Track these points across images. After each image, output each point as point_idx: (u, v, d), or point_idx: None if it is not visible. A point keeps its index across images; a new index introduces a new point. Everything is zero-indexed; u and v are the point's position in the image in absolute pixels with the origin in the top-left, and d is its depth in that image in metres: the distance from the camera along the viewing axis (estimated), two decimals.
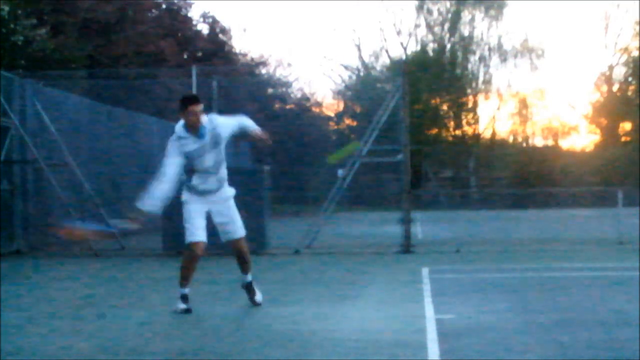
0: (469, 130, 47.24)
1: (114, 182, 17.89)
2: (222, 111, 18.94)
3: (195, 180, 7.23)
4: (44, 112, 14.40)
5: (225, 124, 7.32)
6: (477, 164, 40.79)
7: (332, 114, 39.99)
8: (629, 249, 13.00)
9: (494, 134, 47.96)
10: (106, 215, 14.85)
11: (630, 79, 45.55)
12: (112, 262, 12.71)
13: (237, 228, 7.48)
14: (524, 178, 37.66)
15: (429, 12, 47.49)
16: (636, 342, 5.55)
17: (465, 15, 47.20)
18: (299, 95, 31.54)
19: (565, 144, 49.01)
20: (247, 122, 7.61)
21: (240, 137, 7.94)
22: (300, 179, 23.40)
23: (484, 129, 47.85)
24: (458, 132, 46.73)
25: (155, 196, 7.21)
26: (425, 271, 10.37)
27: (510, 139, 48.51)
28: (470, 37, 47.26)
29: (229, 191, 7.52)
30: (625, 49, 46.28)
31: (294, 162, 22.87)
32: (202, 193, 7.29)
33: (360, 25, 76.24)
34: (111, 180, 17.68)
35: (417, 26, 47.87)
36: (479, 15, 47.12)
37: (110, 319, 7.01)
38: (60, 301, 8.26)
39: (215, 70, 18.23)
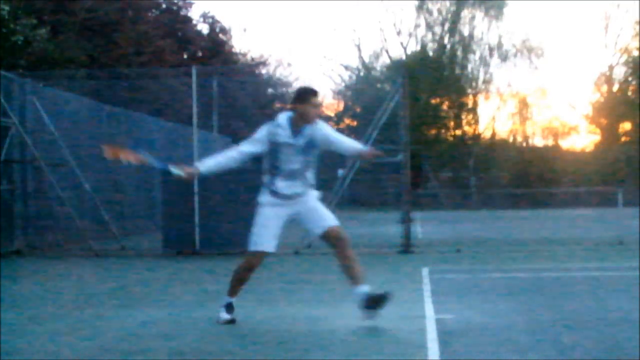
0: (469, 130, 47.23)
1: (114, 182, 17.89)
2: (222, 111, 19.01)
3: (280, 184, 6.49)
4: (44, 112, 14.40)
5: (325, 134, 6.63)
6: (477, 164, 40.78)
7: (332, 114, 39.93)
8: (629, 249, 13.00)
9: (494, 134, 47.96)
10: (106, 216, 14.87)
11: (630, 79, 45.54)
12: (112, 262, 12.71)
13: (330, 216, 6.67)
14: (524, 178, 37.69)
15: (429, 12, 47.48)
16: (636, 342, 5.55)
17: (465, 15, 47.18)
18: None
19: (565, 144, 49.03)
20: (349, 144, 6.84)
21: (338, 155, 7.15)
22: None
23: (484, 129, 47.85)
24: (458, 132, 46.72)
25: (211, 162, 6.59)
26: (425, 271, 10.37)
27: (510, 139, 48.51)
28: (470, 36, 47.26)
29: (315, 193, 6.74)
30: (625, 49, 46.27)
31: None
32: (287, 197, 6.54)
33: (360, 25, 76.25)
34: (111, 180, 17.68)
35: (417, 26, 47.86)
36: (479, 15, 47.11)
37: (110, 319, 7.01)
38: (60, 301, 8.26)
39: (215, 70, 18.24)
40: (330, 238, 6.58)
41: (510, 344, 5.62)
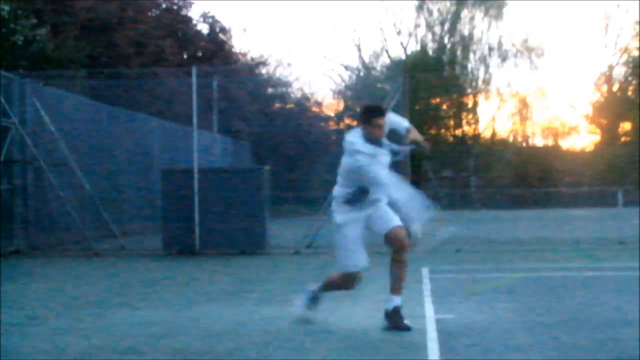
0: (469, 130, 47.23)
1: (114, 182, 17.90)
2: (222, 111, 19.01)
3: (370, 195, 6.30)
4: (44, 112, 14.40)
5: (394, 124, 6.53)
6: (477, 164, 40.79)
7: (332, 114, 39.95)
8: (629, 249, 13.00)
9: (494, 134, 47.96)
10: (106, 216, 14.88)
11: (630, 78, 45.56)
12: (112, 262, 12.71)
13: (396, 218, 6.39)
14: (524, 178, 37.69)
15: (429, 12, 47.50)
16: (636, 342, 5.55)
17: (465, 15, 47.20)
18: (299, 95, 31.54)
19: (565, 144, 49.04)
20: (404, 123, 6.71)
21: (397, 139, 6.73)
22: (300, 179, 23.40)
23: (484, 129, 47.85)
24: (458, 132, 46.73)
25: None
26: (425, 271, 10.37)
27: (510, 139, 48.52)
28: (470, 36, 47.26)
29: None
30: (625, 49, 46.30)
31: (294, 162, 22.87)
32: (369, 204, 6.34)
33: (360, 25, 76.29)
34: (111, 180, 17.69)
35: (417, 26, 47.88)
36: (479, 15, 47.13)
37: (110, 319, 7.01)
38: (60, 301, 8.26)
39: (215, 70, 18.24)
40: (393, 241, 6.43)
41: (510, 343, 5.62)
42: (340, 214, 6.35)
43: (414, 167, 17.88)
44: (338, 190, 6.44)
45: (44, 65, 18.34)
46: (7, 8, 17.96)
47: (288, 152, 23.32)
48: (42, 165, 14.21)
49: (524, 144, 47.91)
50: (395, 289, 6.35)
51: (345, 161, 6.34)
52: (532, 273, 10.17)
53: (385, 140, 6.38)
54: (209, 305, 7.68)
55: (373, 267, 9.79)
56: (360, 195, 6.30)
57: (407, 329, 6.15)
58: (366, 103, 6.23)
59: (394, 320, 6.23)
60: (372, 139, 6.25)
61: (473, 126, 47.40)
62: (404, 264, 6.42)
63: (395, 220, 6.37)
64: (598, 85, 47.94)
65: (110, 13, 23.20)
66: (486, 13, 46.73)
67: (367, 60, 48.21)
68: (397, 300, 6.31)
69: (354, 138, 6.29)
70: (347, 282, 6.52)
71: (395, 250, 6.42)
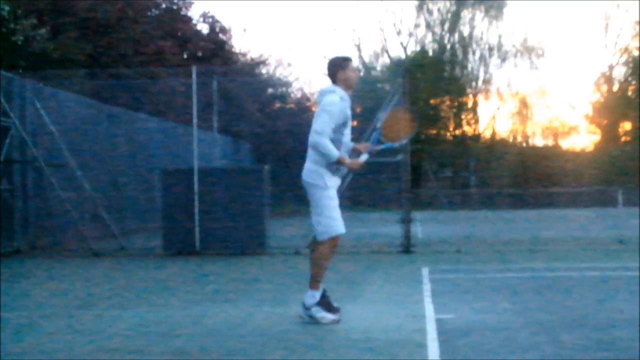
0: (469, 130, 47.25)
1: (114, 182, 17.90)
2: (222, 111, 19.00)
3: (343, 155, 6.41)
4: (44, 112, 14.40)
5: None
6: (477, 164, 40.80)
7: None
8: (629, 249, 13.00)
9: (494, 134, 47.98)
10: (106, 216, 14.88)
11: (630, 78, 45.57)
12: (112, 262, 12.71)
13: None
14: (524, 178, 37.67)
15: (429, 12, 47.51)
16: (636, 342, 5.56)
17: (465, 15, 47.21)
18: (299, 95, 31.54)
19: (565, 144, 49.06)
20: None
21: None
22: (300, 179, 23.35)
23: (484, 129, 47.87)
24: (458, 132, 46.73)
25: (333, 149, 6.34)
26: (425, 271, 10.38)
27: (510, 139, 48.53)
28: (470, 37, 47.27)
29: None
30: (625, 49, 46.31)
31: (295, 162, 22.84)
32: (342, 173, 6.52)
33: (360, 25, 76.31)
34: (111, 180, 17.69)
35: (417, 26, 47.90)
36: (479, 15, 47.14)
37: (110, 319, 7.01)
38: (60, 301, 8.26)
39: (215, 70, 18.23)
40: (337, 241, 6.59)
41: (510, 343, 5.62)
42: (327, 178, 6.43)
43: (414, 167, 17.89)
44: (317, 158, 6.46)
45: (44, 65, 18.34)
46: (7, 8, 17.96)
47: (288, 152, 23.31)
48: (42, 165, 14.21)
49: (524, 144, 47.92)
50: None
51: (330, 115, 6.32)
52: (532, 273, 10.17)
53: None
54: (209, 305, 7.68)
55: (373, 267, 9.80)
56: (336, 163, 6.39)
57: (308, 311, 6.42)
58: (331, 57, 6.59)
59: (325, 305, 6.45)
60: (348, 88, 6.43)
61: (473, 126, 47.42)
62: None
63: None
64: (598, 85, 47.96)
65: (110, 13, 23.19)
66: (486, 13, 46.73)
67: (367, 60, 48.23)
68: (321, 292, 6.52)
69: (334, 87, 6.42)
70: (333, 249, 6.55)
71: (335, 248, 6.61)
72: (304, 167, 6.55)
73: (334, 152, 6.34)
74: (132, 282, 10.01)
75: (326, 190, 6.42)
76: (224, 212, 13.32)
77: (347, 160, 6.45)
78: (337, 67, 6.49)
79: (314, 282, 6.48)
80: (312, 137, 6.36)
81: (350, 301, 7.83)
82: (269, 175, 14.02)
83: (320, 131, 6.30)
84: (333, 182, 6.47)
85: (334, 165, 6.42)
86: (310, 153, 6.49)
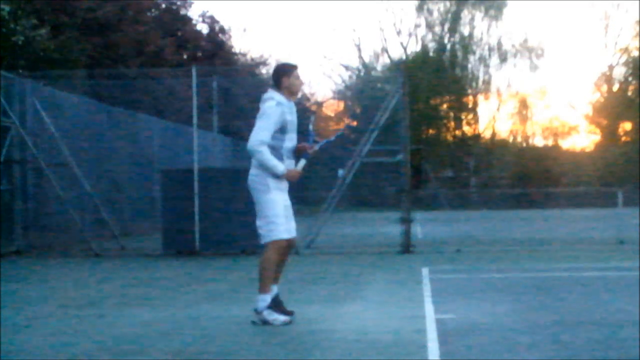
0: (469, 130, 47.27)
1: (114, 182, 17.89)
2: (222, 111, 19.01)
3: (287, 162, 6.49)
4: (44, 112, 14.40)
5: None
6: (477, 164, 40.83)
7: (332, 114, 39.91)
8: (629, 249, 13.01)
9: (494, 134, 48.01)
10: (106, 216, 14.88)
11: (630, 78, 45.58)
12: (112, 262, 12.71)
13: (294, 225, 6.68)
14: (524, 178, 37.70)
15: (429, 12, 47.54)
16: (636, 342, 5.55)
17: (465, 15, 47.23)
18: (299, 95, 31.53)
19: (565, 144, 49.08)
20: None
21: None
22: (300, 179, 23.35)
23: (484, 129, 47.89)
24: (458, 132, 46.76)
25: (275, 162, 6.41)
26: (425, 271, 10.38)
27: (510, 139, 48.55)
28: (470, 37, 47.28)
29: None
30: (625, 49, 46.32)
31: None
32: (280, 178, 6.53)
33: (360, 25, 76.38)
34: (111, 180, 17.68)
35: (417, 26, 47.93)
36: (479, 15, 47.16)
37: (110, 319, 7.01)
38: (60, 301, 8.26)
39: (215, 70, 18.23)
40: (291, 245, 6.69)
41: (510, 343, 5.62)
42: (270, 181, 6.45)
43: (414, 167, 17.89)
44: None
45: (44, 65, 18.33)
46: (7, 8, 17.96)
47: None
48: (42, 165, 14.20)
49: (524, 144, 47.94)
50: (274, 282, 6.56)
51: (269, 117, 6.42)
52: (532, 273, 10.17)
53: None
54: (209, 305, 7.68)
55: (373, 267, 9.80)
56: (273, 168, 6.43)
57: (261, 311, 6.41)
58: (278, 63, 6.78)
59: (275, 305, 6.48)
60: (290, 95, 6.57)
61: (473, 126, 47.45)
62: (284, 263, 6.67)
63: (294, 230, 6.62)
64: (598, 85, 47.98)
65: (110, 13, 23.19)
66: (486, 13, 46.75)
67: (367, 60, 48.26)
68: (274, 289, 6.53)
69: (274, 94, 6.52)
70: (283, 253, 6.56)
71: (286, 253, 6.63)
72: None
73: (278, 168, 6.42)
74: (132, 282, 10.01)
75: (268, 194, 6.43)
76: (224, 212, 13.31)
77: (288, 174, 6.50)
78: (282, 74, 6.61)
79: (262, 286, 6.46)
80: (252, 147, 6.42)
81: (350, 301, 7.83)
82: None
83: (260, 141, 6.38)
84: (278, 185, 6.48)
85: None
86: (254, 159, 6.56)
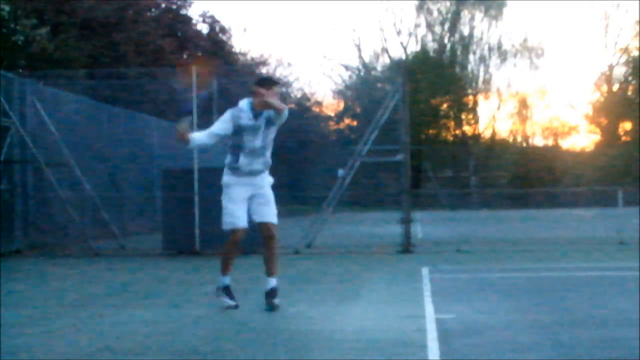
0: (469, 130, 47.29)
1: (114, 182, 17.89)
2: (222, 111, 19.01)
3: (242, 161, 7.19)
4: (44, 112, 14.40)
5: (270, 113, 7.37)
6: (477, 164, 40.84)
7: (332, 114, 39.94)
8: (629, 249, 13.00)
9: (494, 134, 48.04)
10: (106, 216, 14.88)
11: (630, 78, 45.60)
12: (112, 262, 12.71)
13: (273, 212, 7.30)
14: (524, 178, 37.73)
15: (429, 11, 47.56)
16: (636, 342, 5.55)
17: (465, 15, 47.25)
18: (299, 95, 31.56)
19: (565, 144, 49.11)
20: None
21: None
22: (300, 179, 23.39)
23: (484, 129, 47.92)
24: (458, 132, 46.77)
25: (198, 137, 7.43)
26: (425, 271, 10.37)
27: (510, 139, 48.58)
28: (470, 36, 47.31)
29: (270, 178, 7.45)
30: (625, 49, 46.34)
31: (294, 162, 22.87)
32: (248, 174, 7.22)
33: (360, 25, 76.40)
34: (111, 180, 17.68)
35: (417, 26, 47.98)
36: (479, 15, 47.20)
37: (110, 318, 7.01)
38: (60, 301, 8.26)
39: (215, 70, 18.21)
40: (264, 236, 7.27)
41: (510, 344, 5.62)
42: (227, 176, 7.26)
43: (414, 167, 17.89)
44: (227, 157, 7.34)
45: (44, 65, 18.33)
46: (7, 8, 17.96)
47: (288, 152, 23.33)
48: (42, 165, 14.20)
49: (524, 144, 47.96)
50: (271, 269, 7.26)
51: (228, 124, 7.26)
52: (532, 273, 10.17)
53: (265, 113, 7.23)
54: (209, 305, 7.68)
55: (373, 267, 9.82)
56: (235, 163, 7.23)
57: (274, 306, 7.08)
58: (261, 76, 7.65)
59: (268, 299, 7.15)
60: (257, 106, 7.15)
61: (473, 126, 47.48)
62: (275, 254, 7.31)
63: (272, 217, 7.26)
64: (598, 85, 48.01)
65: (110, 13, 23.19)
66: (486, 13, 46.77)
67: (367, 60, 48.27)
68: (274, 282, 7.22)
69: (242, 102, 7.29)
70: (231, 245, 7.34)
71: (267, 242, 7.29)
72: None
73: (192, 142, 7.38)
74: (132, 282, 10.01)
75: (225, 187, 7.24)
76: None
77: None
78: (257, 84, 7.26)
79: (221, 269, 7.39)
80: None
81: (350, 301, 7.84)
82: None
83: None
84: (235, 180, 7.21)
85: (233, 165, 7.22)
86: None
